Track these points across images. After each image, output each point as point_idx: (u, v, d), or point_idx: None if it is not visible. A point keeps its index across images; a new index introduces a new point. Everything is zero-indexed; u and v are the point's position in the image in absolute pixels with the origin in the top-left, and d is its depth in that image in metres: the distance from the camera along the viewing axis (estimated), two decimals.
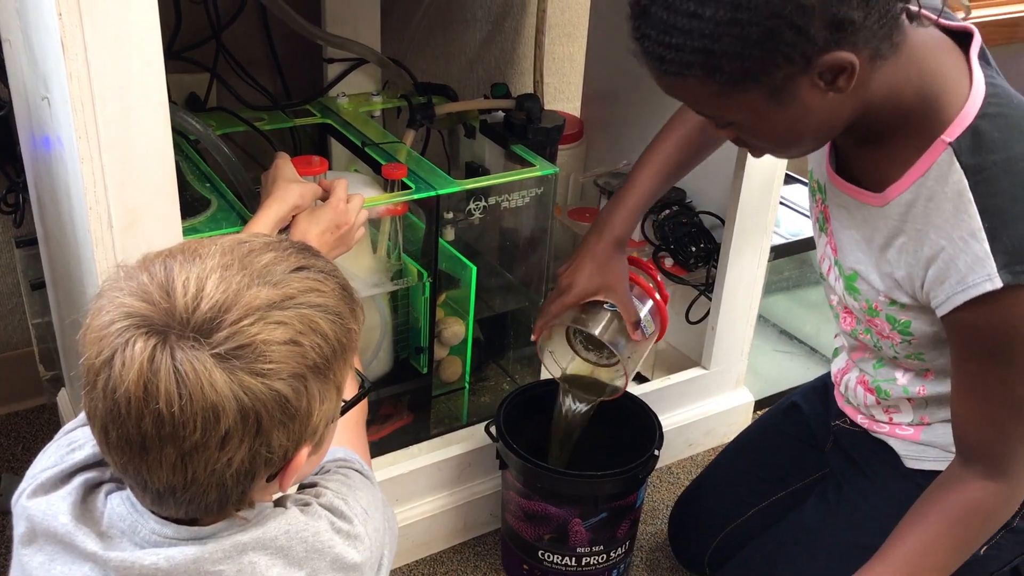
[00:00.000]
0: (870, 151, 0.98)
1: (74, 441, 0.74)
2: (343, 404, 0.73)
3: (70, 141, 0.92)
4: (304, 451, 0.68)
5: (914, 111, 0.91)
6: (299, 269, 0.67)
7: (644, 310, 1.27)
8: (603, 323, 1.25)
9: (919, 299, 0.97)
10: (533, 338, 1.28)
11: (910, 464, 1.14)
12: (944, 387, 1.05)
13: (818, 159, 1.09)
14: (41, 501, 0.70)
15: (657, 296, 1.30)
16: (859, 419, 1.20)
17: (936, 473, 1.10)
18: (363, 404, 0.94)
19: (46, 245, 1.32)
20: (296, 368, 0.64)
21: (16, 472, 1.49)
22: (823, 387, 1.32)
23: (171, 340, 0.61)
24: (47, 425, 1.62)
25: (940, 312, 0.93)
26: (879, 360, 1.12)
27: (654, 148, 1.28)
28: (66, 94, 0.88)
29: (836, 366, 1.24)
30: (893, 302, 1.01)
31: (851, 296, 1.06)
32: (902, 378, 1.10)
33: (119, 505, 0.69)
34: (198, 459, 0.62)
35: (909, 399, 1.11)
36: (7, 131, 1.32)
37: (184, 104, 1.46)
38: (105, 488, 0.71)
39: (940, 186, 0.90)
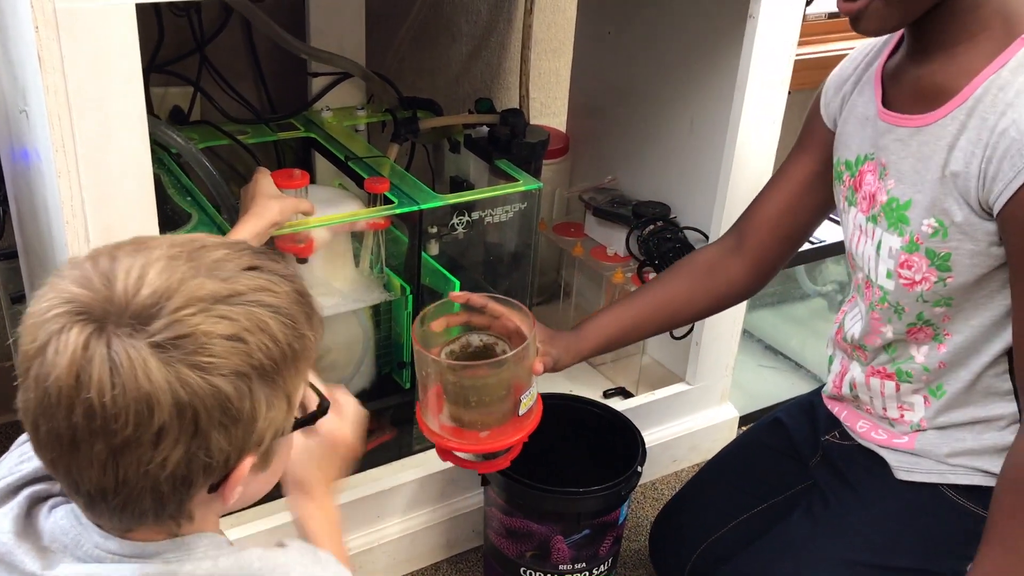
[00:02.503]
0: (936, 64, 1.00)
1: (25, 452, 0.72)
2: (296, 419, 0.69)
3: (47, 155, 0.91)
4: (248, 461, 0.64)
5: (998, 15, 0.95)
6: (252, 268, 0.64)
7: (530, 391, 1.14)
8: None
9: (975, 200, 0.97)
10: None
11: (901, 475, 1.13)
12: (964, 338, 1.05)
13: (857, 133, 1.11)
14: None
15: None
16: (859, 425, 1.19)
17: (926, 486, 1.11)
18: (335, 509, 0.88)
19: (26, 258, 1.31)
20: (239, 366, 0.60)
21: None
22: (808, 404, 1.32)
23: (108, 328, 0.59)
24: None
25: (1002, 200, 0.93)
26: (891, 345, 1.11)
27: (663, 282, 1.27)
28: (43, 107, 0.88)
29: (832, 372, 1.24)
30: (939, 228, 1.00)
31: (895, 233, 1.05)
32: (919, 355, 1.10)
33: (63, 518, 0.67)
34: (130, 457, 0.59)
35: (927, 381, 1.10)
36: None
37: (167, 117, 1.46)
38: (51, 502, 0.69)
39: (1015, 76, 0.93)
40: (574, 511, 1.26)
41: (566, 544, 1.27)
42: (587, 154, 1.80)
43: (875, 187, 1.08)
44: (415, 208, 1.26)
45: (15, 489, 0.69)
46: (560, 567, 1.29)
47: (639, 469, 1.29)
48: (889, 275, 1.07)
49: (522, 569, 1.30)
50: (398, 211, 1.25)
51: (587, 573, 1.31)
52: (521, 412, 1.12)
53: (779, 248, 1.25)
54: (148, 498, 0.61)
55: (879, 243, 1.07)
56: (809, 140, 1.21)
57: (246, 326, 0.61)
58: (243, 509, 1.02)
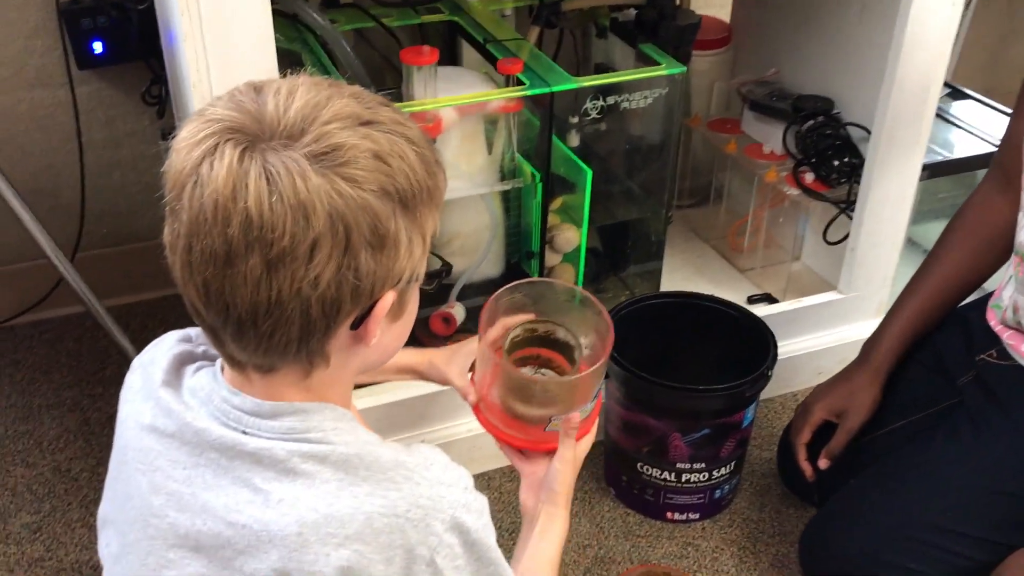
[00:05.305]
0: None
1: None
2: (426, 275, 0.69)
3: (176, 19, 0.95)
4: (390, 295, 0.65)
5: None
6: (387, 106, 0.65)
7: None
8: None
9: None
10: None
11: None
12: None
13: None
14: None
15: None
16: None
17: None
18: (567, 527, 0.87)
19: None
20: (385, 185, 0.61)
21: None
22: (962, 317, 1.21)
23: (262, 143, 0.60)
24: None
25: None
26: None
27: (936, 257, 1.22)
28: None
29: (1000, 290, 1.15)
30: None
31: None
32: None
33: (203, 376, 0.70)
34: (284, 271, 0.60)
35: None
36: (151, 24, 1.38)
37: (319, 1, 1.48)
38: (197, 364, 0.72)
39: None
40: (692, 409, 1.22)
41: (684, 442, 1.24)
42: (750, 45, 1.69)
43: None
44: (545, 91, 1.22)
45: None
46: (678, 464, 1.26)
47: (768, 373, 1.23)
48: None
49: (639, 464, 1.29)
50: (527, 92, 1.22)
51: (707, 473, 1.27)
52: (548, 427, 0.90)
53: None
54: (297, 323, 0.62)
55: None
56: None
57: (388, 149, 0.62)
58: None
